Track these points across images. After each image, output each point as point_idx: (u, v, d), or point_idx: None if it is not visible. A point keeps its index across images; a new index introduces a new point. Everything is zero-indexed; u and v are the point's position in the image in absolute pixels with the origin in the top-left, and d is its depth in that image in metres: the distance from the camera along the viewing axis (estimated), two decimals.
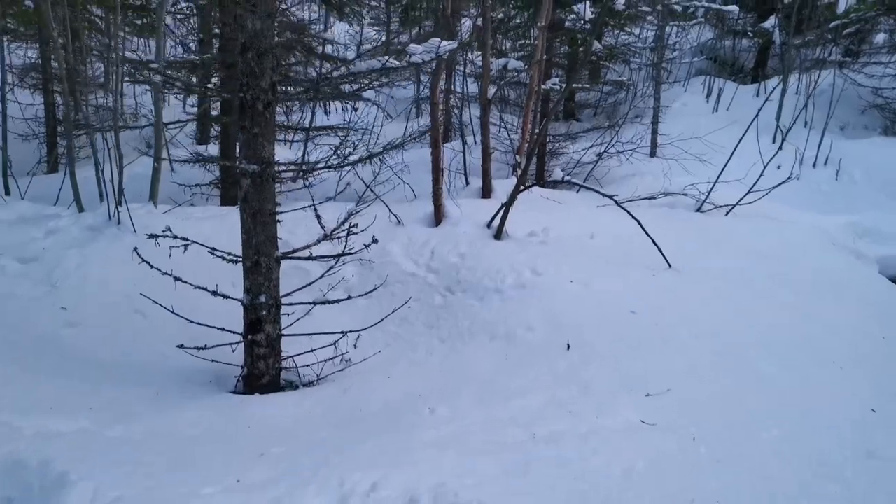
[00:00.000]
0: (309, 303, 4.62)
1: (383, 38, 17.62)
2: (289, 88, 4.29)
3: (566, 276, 5.41)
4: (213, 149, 9.99)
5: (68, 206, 6.91)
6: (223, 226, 6.59)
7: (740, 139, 8.32)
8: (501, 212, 6.38)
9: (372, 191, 5.97)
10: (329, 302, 4.60)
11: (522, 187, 6.35)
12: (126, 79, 7.96)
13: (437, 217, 6.88)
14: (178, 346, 4.31)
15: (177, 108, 12.59)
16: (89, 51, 14.44)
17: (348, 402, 4.18)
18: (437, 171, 6.88)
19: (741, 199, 7.99)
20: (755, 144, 8.98)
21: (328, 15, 11.98)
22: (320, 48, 8.07)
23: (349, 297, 4.68)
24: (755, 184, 8.05)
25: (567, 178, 6.52)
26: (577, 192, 8.53)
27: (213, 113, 10.00)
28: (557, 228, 6.49)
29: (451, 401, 3.96)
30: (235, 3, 6.76)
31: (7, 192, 8.10)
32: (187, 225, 6.34)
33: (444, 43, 3.80)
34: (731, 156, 8.29)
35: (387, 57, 3.81)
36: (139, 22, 11.76)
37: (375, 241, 4.65)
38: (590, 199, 7.83)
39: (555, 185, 9.04)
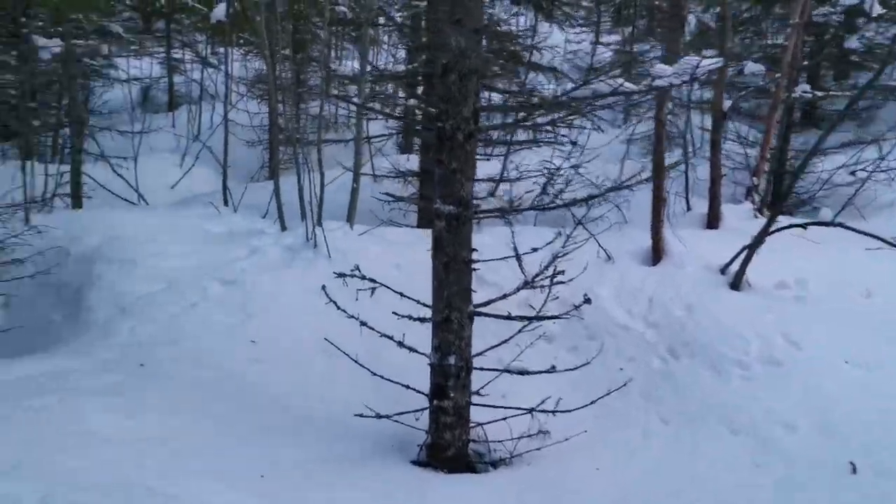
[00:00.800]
0: (507, 371, 3.91)
1: (590, 41, 16.51)
2: (494, 118, 3.61)
3: (837, 353, 4.12)
4: (415, 161, 9.80)
5: (274, 221, 6.96)
6: (416, 253, 6.16)
7: None
8: (742, 255, 5.16)
9: (585, 227, 5.13)
10: (529, 373, 3.86)
11: (774, 227, 5.08)
12: (332, 98, 7.91)
13: (656, 254, 5.82)
14: (356, 415, 3.85)
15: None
16: (310, 62, 15.28)
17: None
18: (658, 201, 5.82)
19: None
20: None
21: (537, 21, 11.27)
22: (528, 58, 7.38)
23: (553, 369, 3.89)
24: None
25: (838, 223, 5.11)
26: (833, 224, 6.88)
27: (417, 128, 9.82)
28: (816, 279, 5.12)
29: None
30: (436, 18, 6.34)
31: (225, 203, 8.54)
32: (381, 253, 6.00)
33: (707, 61, 2.85)
34: None
35: (620, 81, 2.95)
36: (354, 34, 12.05)
37: (588, 300, 3.81)
38: (853, 235, 6.22)
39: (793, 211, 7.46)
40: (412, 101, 7.88)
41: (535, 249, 3.79)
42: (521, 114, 3.51)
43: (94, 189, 9.20)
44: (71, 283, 5.46)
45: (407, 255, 6.10)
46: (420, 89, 8.98)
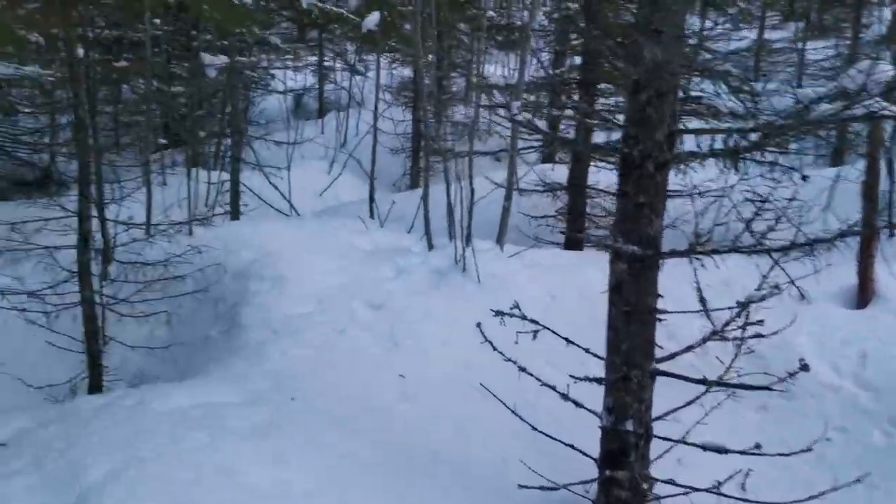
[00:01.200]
0: (699, 446, 3.30)
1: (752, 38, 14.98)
2: (698, 147, 3.05)
3: None
4: (560, 171, 9.23)
5: (421, 238, 6.72)
6: (571, 281, 5.65)
7: None
8: None
9: (783, 270, 4.35)
10: (727, 451, 3.22)
11: None
12: (482, 111, 7.56)
13: (864, 295, 4.90)
14: (520, 487, 3.41)
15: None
16: (454, 68, 15.16)
17: None
18: (869, 231, 4.89)
19: None
20: None
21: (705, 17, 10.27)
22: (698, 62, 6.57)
23: (757, 449, 3.22)
24: None
25: None
26: None
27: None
28: None
29: None
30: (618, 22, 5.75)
31: (371, 215, 8.48)
32: (533, 279, 5.55)
33: None
34: None
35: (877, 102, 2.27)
36: (500, 38, 11.71)
37: (805, 367, 3.11)
38: None
39: None
40: (568, 112, 7.35)
41: (742, 305, 3.14)
42: (739, 138, 2.89)
43: (251, 198, 9.56)
44: (227, 298, 5.51)
45: (561, 283, 5.61)
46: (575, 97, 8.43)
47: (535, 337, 3.75)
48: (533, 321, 3.81)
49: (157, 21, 10.38)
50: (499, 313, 3.89)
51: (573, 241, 7.98)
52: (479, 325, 4.08)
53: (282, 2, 12.76)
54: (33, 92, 10.76)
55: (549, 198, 8.48)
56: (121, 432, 3.20)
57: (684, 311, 3.39)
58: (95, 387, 4.97)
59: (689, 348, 3.59)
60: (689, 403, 3.70)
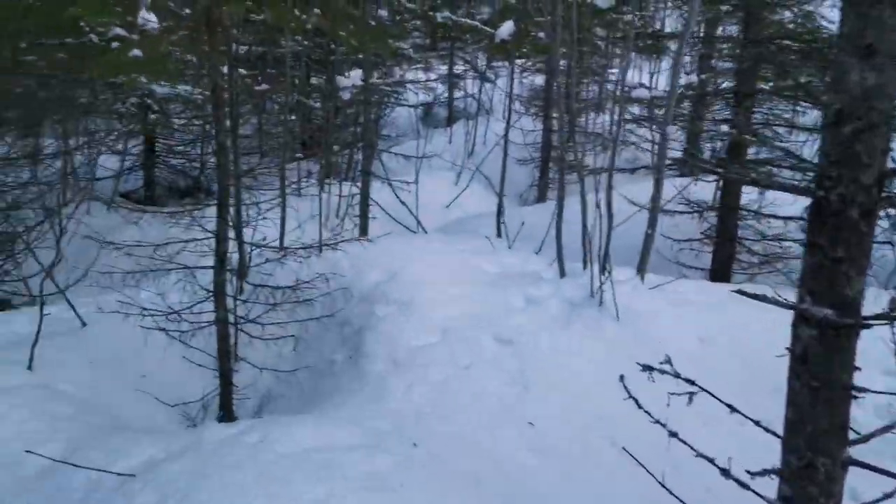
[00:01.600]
0: None
1: None
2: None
3: None
4: (705, 189, 8.42)
5: (551, 263, 6.31)
6: (724, 322, 5.01)
7: None
8: None
9: None
10: None
11: None
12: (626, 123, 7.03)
13: None
14: None
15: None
16: (590, 74, 14.53)
17: None
18: None
19: None
20: None
21: None
22: None
23: None
24: None
25: None
26: None
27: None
28: None
29: None
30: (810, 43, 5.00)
31: (498, 233, 8.17)
32: (679, 317, 4.99)
33: None
34: None
35: None
36: (641, 44, 11.00)
37: None
38: None
39: None
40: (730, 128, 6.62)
41: None
42: None
43: (377, 210, 9.59)
44: (353, 322, 5.42)
45: (712, 324, 5.00)
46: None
47: (690, 401, 3.26)
48: (688, 381, 3.30)
49: (299, 37, 10.75)
50: (646, 368, 3.39)
51: (721, 270, 7.24)
52: (622, 378, 3.62)
53: (415, 15, 12.81)
54: (187, 107, 11.53)
55: (693, 218, 7.77)
56: (241, 477, 3.10)
57: (879, 392, 2.76)
58: (225, 405, 5.04)
59: (888, 429, 2.95)
60: (887, 496, 3.04)
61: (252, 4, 4.69)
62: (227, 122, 5.37)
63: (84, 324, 5.53)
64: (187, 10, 4.58)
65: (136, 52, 3.95)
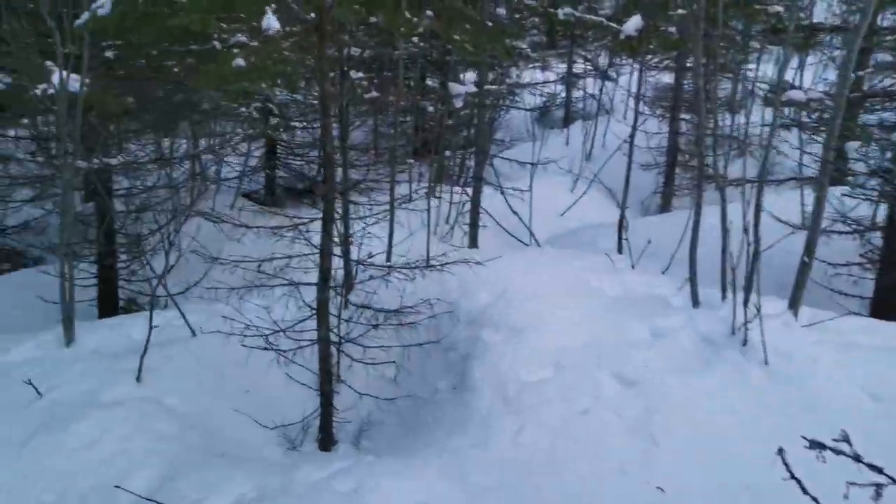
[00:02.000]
0: None
1: None
2: None
3: None
4: (862, 203, 7.28)
5: (680, 288, 5.60)
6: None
7: None
8: None
9: None
10: None
11: None
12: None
13: None
14: None
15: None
16: (726, 70, 13.31)
17: None
18: None
19: None
20: None
21: None
22: None
23: None
24: None
25: None
26: None
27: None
28: None
29: None
30: None
31: (619, 249, 7.50)
32: (841, 363, 4.18)
33: None
34: None
35: None
36: (791, 39, 9.81)
37: None
38: None
39: None
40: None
41: None
42: None
43: (488, 218, 9.18)
44: (459, 347, 5.04)
45: (888, 377, 4.14)
46: None
47: (878, 496, 2.57)
48: (874, 468, 2.62)
49: (415, 39, 10.54)
50: (816, 445, 2.72)
51: (888, 300, 6.19)
52: (780, 451, 2.96)
53: (535, 12, 12.25)
54: (304, 111, 11.69)
55: (853, 239, 6.73)
56: None
57: None
58: (325, 427, 4.84)
59: None
60: None
61: (361, 8, 4.38)
62: (335, 132, 5.15)
63: (194, 333, 5.53)
64: (312, 15, 4.33)
65: (239, 61, 3.75)
